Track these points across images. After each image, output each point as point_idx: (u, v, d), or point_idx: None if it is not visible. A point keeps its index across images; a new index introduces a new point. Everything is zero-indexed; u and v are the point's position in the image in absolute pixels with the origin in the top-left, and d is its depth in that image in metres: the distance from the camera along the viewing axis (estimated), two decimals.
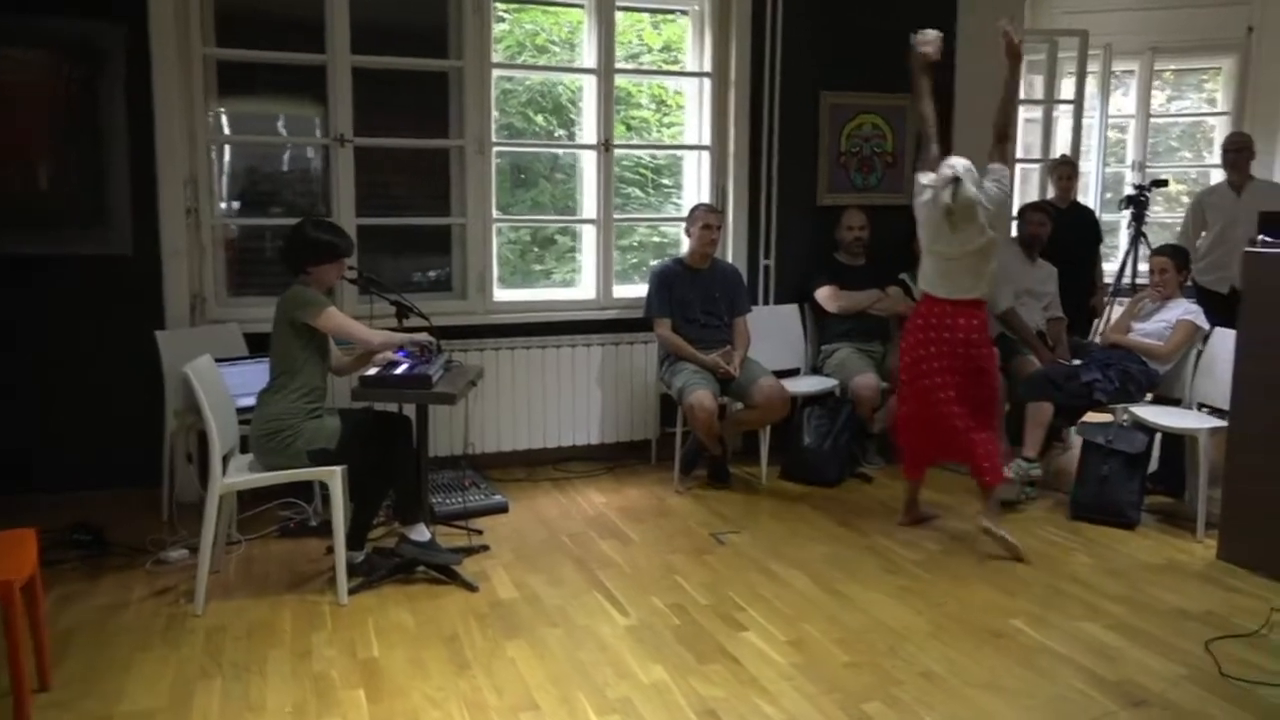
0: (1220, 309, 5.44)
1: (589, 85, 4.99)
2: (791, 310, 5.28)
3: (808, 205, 5.31)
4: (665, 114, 5.69)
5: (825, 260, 5.21)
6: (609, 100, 4.96)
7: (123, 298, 4.28)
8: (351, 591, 3.39)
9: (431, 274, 5.00)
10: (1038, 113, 6.16)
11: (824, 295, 5.08)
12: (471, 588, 3.48)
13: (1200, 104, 7.27)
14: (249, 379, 3.79)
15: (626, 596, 3.46)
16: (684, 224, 4.87)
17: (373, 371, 3.48)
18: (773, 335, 5.15)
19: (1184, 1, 6.45)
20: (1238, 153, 5.68)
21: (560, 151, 5.30)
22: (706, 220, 4.74)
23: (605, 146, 4.98)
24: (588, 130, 5.03)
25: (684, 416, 4.58)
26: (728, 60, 5.08)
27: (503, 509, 4.31)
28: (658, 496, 4.60)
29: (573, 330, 4.99)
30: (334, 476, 3.34)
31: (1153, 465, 4.41)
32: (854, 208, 5.21)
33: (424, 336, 3.60)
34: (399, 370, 3.46)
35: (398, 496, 3.60)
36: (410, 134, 4.79)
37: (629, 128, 5.61)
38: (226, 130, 4.64)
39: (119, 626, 3.17)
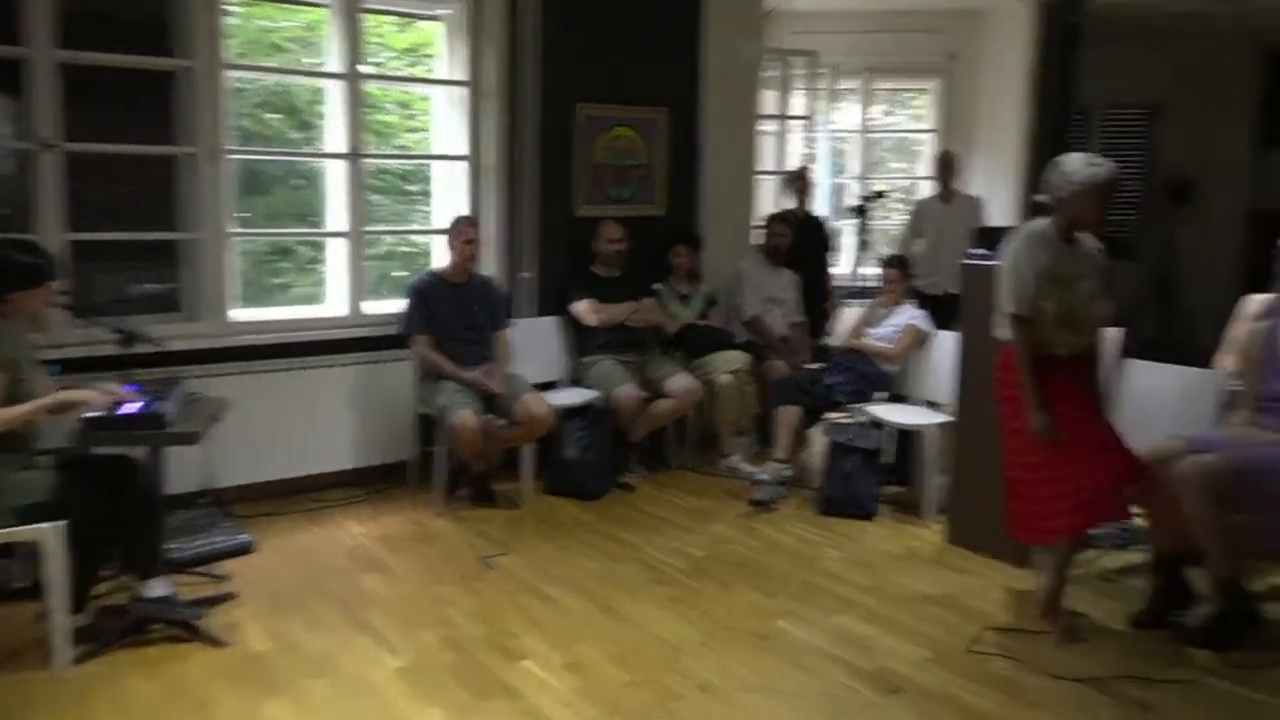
0: (937, 311, 5.98)
1: (334, 90, 4.71)
2: (551, 323, 5.25)
3: (565, 217, 5.30)
4: (411, 118, 5.50)
5: (582, 273, 5.23)
6: (357, 107, 4.71)
7: None
8: (76, 661, 3.00)
9: (147, 287, 4.54)
10: (772, 127, 6.50)
11: (582, 309, 5.09)
12: (220, 643, 3.18)
13: (910, 120, 7.96)
14: None
15: (395, 635, 3.29)
16: (446, 237, 4.70)
17: (97, 412, 3.07)
18: (533, 349, 5.10)
19: (897, 27, 7.02)
20: (946, 167, 6.27)
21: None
22: (467, 234, 4.62)
23: (355, 156, 4.72)
24: (334, 138, 4.75)
25: (447, 436, 4.44)
26: (482, 69, 4.97)
27: (247, 549, 3.97)
28: (419, 522, 4.44)
29: (321, 350, 4.70)
30: (48, 535, 2.94)
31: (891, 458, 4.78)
32: (611, 220, 5.26)
33: (109, 386, 3.15)
34: (128, 408, 3.09)
35: (128, 548, 3.23)
36: (131, 139, 4.30)
37: (374, 133, 5.39)
38: None
39: None
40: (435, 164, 5.19)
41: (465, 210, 5.00)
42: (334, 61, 4.68)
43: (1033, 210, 3.57)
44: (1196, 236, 8.85)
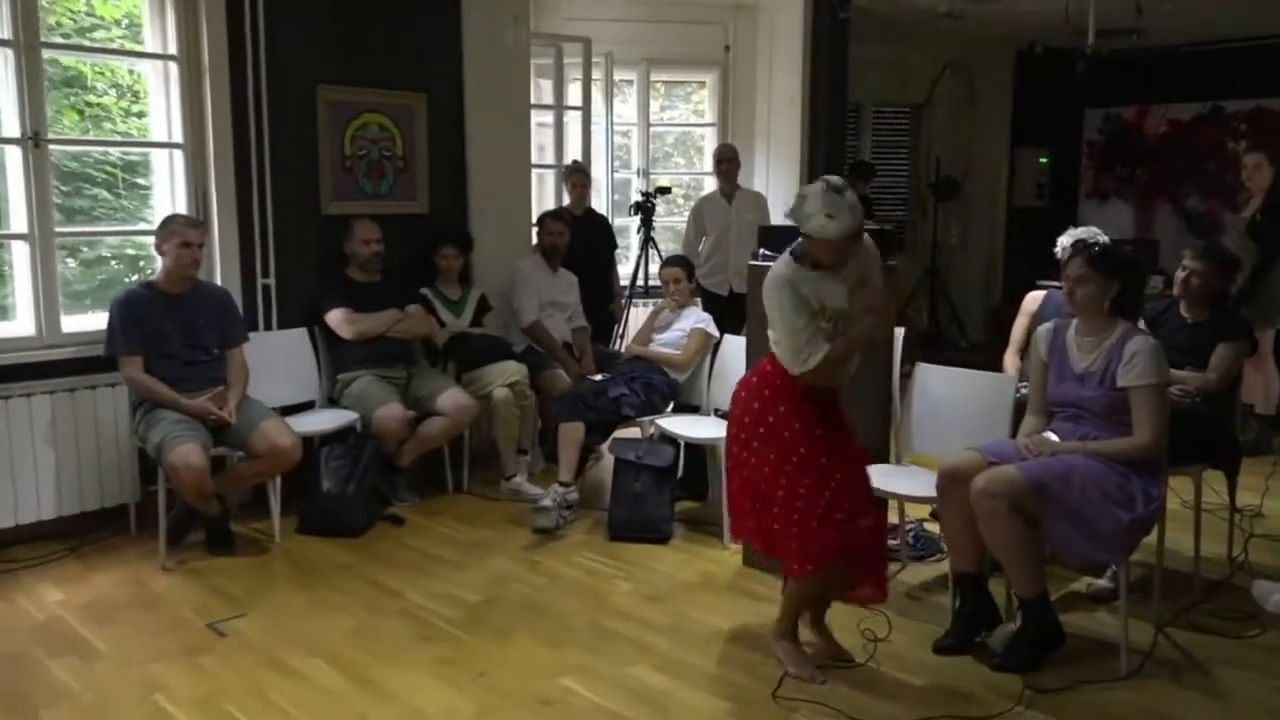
0: (723, 310, 5.76)
1: (3, 61, 3.86)
2: (300, 336, 4.60)
3: (312, 215, 4.66)
4: (134, 101, 4.67)
5: (335, 278, 4.61)
6: (36, 82, 3.88)
7: None
8: None
9: None
10: (549, 118, 6.08)
11: (336, 319, 4.48)
12: None
13: (689, 115, 7.76)
14: None
15: None
16: (154, 239, 3.96)
17: None
18: (279, 366, 4.45)
19: (673, 18, 6.78)
20: (728, 162, 6.06)
21: None
22: (185, 236, 3.89)
23: (35, 141, 3.89)
24: (6, 119, 3.90)
25: (167, 476, 3.72)
26: (198, 42, 4.24)
27: None
28: (140, 580, 3.71)
29: (7, 377, 3.87)
30: None
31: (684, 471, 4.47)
32: (366, 218, 4.67)
33: None
34: None
35: None
36: None
37: (81, 115, 4.54)
38: None
39: None
40: (155, 155, 4.41)
41: (184, 208, 4.27)
42: (2, 26, 3.82)
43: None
44: (961, 232, 9.21)
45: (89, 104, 4.65)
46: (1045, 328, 3.31)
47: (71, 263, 4.54)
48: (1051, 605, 3.08)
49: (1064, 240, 3.99)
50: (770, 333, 2.97)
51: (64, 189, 4.49)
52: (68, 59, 4.31)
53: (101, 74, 4.63)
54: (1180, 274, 3.75)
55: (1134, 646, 3.09)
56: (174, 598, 3.57)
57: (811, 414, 2.92)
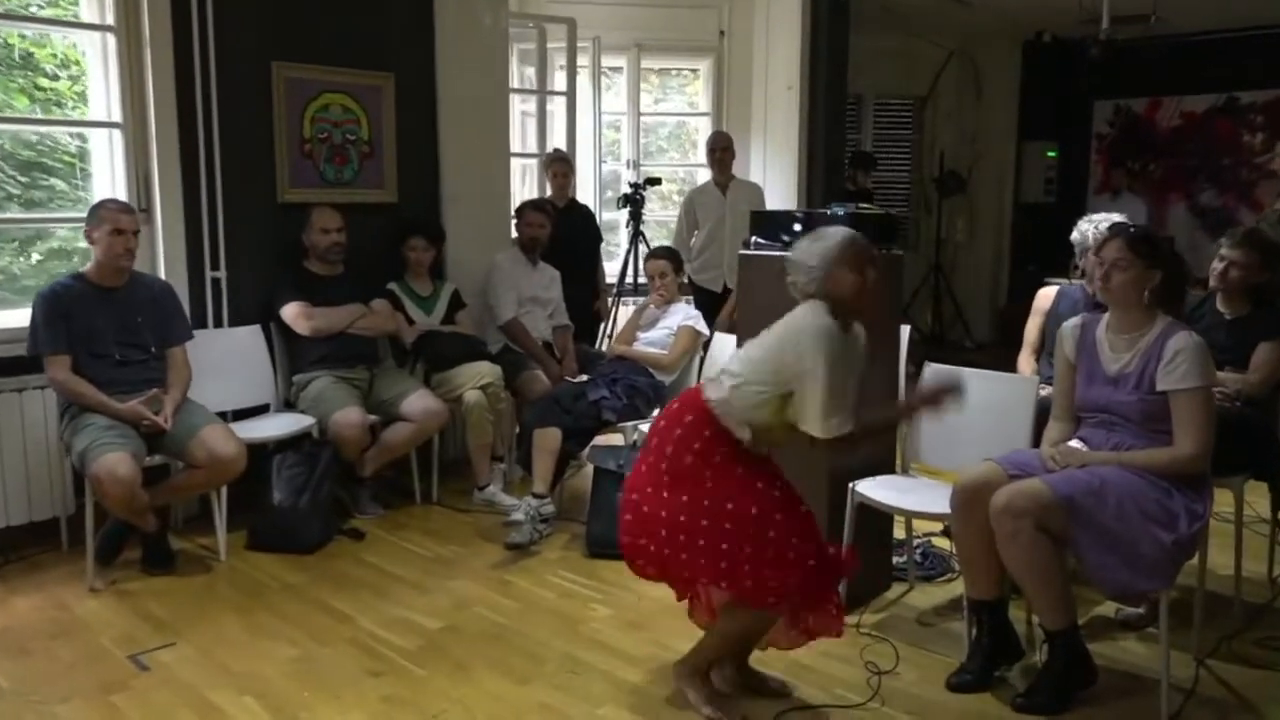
0: (716, 308, 5.40)
1: None
2: (253, 333, 4.24)
3: (267, 203, 4.29)
4: (74, 82, 4.32)
5: (293, 271, 4.25)
6: None
7: None
8: None
9: None
10: (532, 105, 5.73)
11: (292, 314, 4.11)
12: None
13: (684, 105, 7.41)
14: None
15: None
16: (85, 227, 3.59)
17: None
18: (230, 366, 4.10)
19: (663, 1, 6.44)
20: (722, 151, 5.71)
21: None
22: (117, 222, 3.52)
23: None
24: None
25: (91, 488, 3.36)
26: (138, 11, 3.87)
27: None
28: (62, 603, 3.34)
29: None
30: None
31: None
32: (326, 206, 4.31)
33: None
34: None
35: None
36: None
37: (31, 100, 4.19)
38: None
39: None
40: (94, 136, 4.05)
41: (124, 193, 3.90)
42: None
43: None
44: (966, 228, 8.87)
45: (39, 88, 4.31)
46: (1072, 323, 2.94)
47: (36, 256, 4.21)
48: (1081, 637, 2.71)
49: (1083, 225, 3.62)
50: (771, 373, 2.52)
51: (22, 179, 4.17)
52: (12, 35, 3.95)
53: (53, 56, 4.29)
54: (1217, 265, 3.38)
55: (1174, 683, 2.73)
56: (97, 624, 3.20)
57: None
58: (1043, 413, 3.05)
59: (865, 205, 3.37)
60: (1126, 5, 6.12)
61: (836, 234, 2.57)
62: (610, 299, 5.70)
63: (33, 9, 4.11)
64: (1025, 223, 8.80)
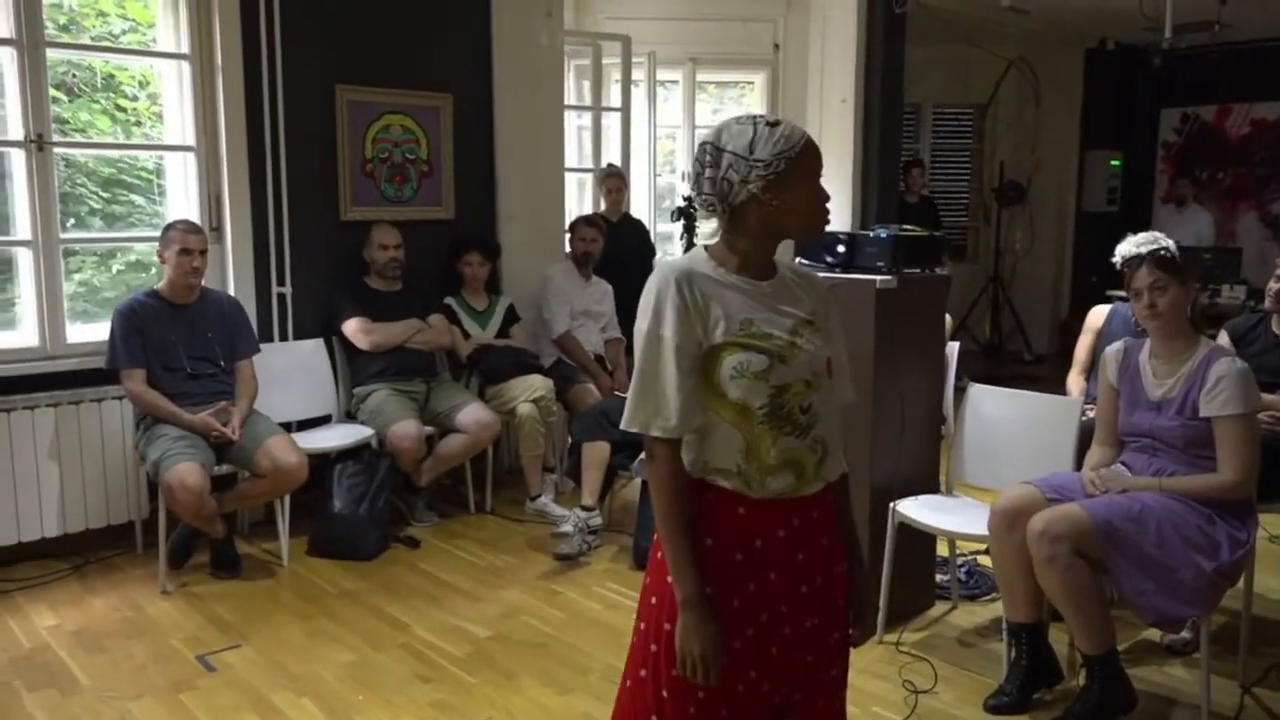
0: None
1: (6, 60, 3.72)
2: (316, 346, 4.41)
3: (330, 221, 4.46)
4: (153, 104, 4.54)
5: (354, 286, 4.41)
6: (39, 82, 3.73)
7: None
8: None
9: None
10: (587, 119, 5.84)
11: (352, 329, 4.27)
12: None
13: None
14: None
15: None
16: (157, 247, 3.79)
17: None
18: (295, 379, 4.26)
19: (719, 15, 6.49)
20: None
21: None
22: (185, 243, 3.71)
23: (38, 144, 3.74)
24: (10, 121, 3.76)
25: (163, 496, 3.54)
26: (211, 40, 4.07)
27: None
28: (135, 604, 3.52)
29: (10, 389, 3.73)
30: None
31: None
32: (386, 223, 4.46)
33: None
34: None
35: None
36: None
37: (113, 120, 4.41)
38: None
39: None
40: (169, 159, 4.25)
41: (196, 213, 4.09)
42: (3, 23, 3.68)
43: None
44: (1027, 238, 8.76)
45: (120, 109, 4.53)
46: (1114, 348, 2.94)
47: (116, 268, 4.43)
48: (1120, 662, 2.71)
49: (1123, 248, 3.59)
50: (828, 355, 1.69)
51: (103, 195, 4.40)
52: (96, 60, 4.17)
53: (132, 77, 4.51)
54: (1274, 285, 3.34)
55: (1216, 710, 2.71)
56: (169, 624, 3.37)
57: None
58: (1086, 434, 3.05)
59: (909, 226, 3.38)
60: (1190, 12, 6.01)
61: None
62: None
63: (114, 32, 4.34)
64: (1088, 233, 8.66)
